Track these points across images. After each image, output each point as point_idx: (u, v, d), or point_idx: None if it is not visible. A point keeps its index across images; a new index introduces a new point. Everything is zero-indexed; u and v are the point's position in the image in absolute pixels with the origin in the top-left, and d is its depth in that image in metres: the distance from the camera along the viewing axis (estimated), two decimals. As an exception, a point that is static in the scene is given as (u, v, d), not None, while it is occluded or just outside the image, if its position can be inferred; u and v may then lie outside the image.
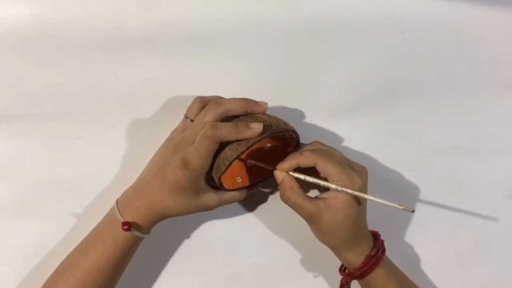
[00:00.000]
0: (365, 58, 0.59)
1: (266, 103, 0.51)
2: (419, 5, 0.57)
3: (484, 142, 0.61)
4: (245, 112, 0.51)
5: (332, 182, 0.49)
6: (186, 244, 0.59)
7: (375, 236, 0.53)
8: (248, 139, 0.48)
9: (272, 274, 0.60)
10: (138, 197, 0.51)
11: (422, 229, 0.60)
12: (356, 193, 0.48)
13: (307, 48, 0.58)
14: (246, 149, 0.48)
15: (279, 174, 0.50)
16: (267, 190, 0.60)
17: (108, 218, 0.52)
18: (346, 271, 0.52)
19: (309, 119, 0.59)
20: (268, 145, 0.53)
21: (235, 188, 0.54)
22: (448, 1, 0.58)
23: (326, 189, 0.50)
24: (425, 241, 0.61)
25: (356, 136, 0.59)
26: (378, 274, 0.51)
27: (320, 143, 0.53)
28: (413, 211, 0.47)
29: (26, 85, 0.56)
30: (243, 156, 0.49)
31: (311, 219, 0.50)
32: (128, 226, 0.49)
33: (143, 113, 0.57)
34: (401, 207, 0.47)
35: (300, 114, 0.59)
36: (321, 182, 0.49)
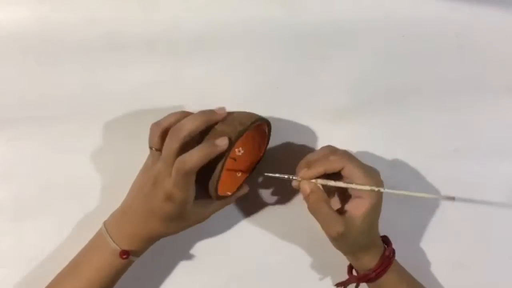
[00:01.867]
0: (366, 60, 0.58)
1: (223, 108, 0.49)
2: (419, 7, 0.57)
3: (484, 144, 0.61)
4: (206, 127, 0.48)
5: (359, 185, 0.48)
6: (186, 244, 0.59)
7: (383, 237, 0.53)
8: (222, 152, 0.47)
9: (272, 274, 0.60)
10: (130, 226, 0.50)
11: (422, 231, 0.60)
12: (390, 191, 0.48)
13: (307, 51, 0.58)
14: (225, 159, 0.47)
15: (306, 185, 0.49)
16: (267, 191, 0.60)
17: (97, 243, 0.51)
18: (357, 274, 0.52)
19: (309, 121, 0.59)
20: (241, 149, 0.54)
21: (237, 186, 0.54)
22: (448, 3, 0.57)
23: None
24: (425, 242, 0.61)
25: (356, 138, 0.59)
26: (390, 277, 0.51)
27: (334, 147, 0.52)
28: (453, 199, 0.47)
29: (26, 87, 0.56)
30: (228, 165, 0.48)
31: (337, 239, 0.48)
32: (127, 255, 0.49)
33: (143, 115, 0.57)
34: (441, 197, 0.47)
35: (300, 116, 0.59)
36: (350, 185, 0.48)
